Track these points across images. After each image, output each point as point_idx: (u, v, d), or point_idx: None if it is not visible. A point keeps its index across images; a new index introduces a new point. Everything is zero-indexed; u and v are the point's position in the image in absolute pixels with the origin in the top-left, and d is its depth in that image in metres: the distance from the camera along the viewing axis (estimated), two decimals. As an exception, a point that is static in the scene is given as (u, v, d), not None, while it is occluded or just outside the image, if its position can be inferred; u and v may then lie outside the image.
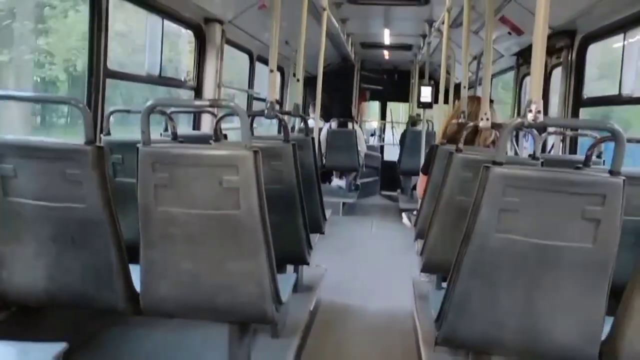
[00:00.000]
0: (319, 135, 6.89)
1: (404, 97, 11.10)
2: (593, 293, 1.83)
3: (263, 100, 6.61)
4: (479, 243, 1.85)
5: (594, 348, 1.87)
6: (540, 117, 1.72)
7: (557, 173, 1.80)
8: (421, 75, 8.69)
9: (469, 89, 3.96)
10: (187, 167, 1.99)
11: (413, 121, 9.14)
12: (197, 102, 3.86)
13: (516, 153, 4.98)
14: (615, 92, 3.48)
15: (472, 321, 1.94)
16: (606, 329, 1.90)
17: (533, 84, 1.77)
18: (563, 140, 4.05)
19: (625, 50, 3.36)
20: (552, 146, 4.19)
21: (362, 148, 8.45)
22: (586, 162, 2.43)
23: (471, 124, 2.93)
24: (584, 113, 4.01)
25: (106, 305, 2.14)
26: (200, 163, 1.99)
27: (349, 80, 10.53)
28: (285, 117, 3.61)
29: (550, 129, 3.85)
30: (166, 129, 3.41)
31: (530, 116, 1.72)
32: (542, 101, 1.72)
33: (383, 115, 12.12)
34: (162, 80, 4.03)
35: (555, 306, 1.86)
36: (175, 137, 2.80)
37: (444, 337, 2.02)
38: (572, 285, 1.83)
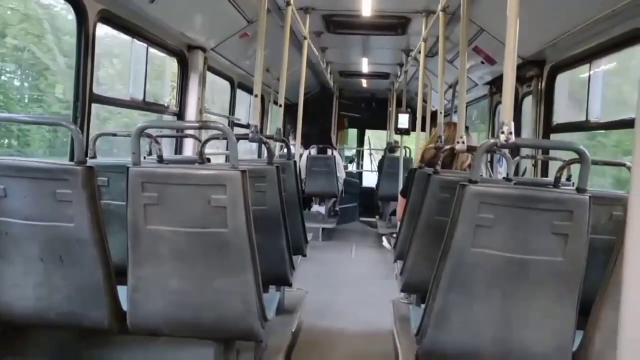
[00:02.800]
0: (299, 161, 6.99)
1: (381, 124, 11.32)
2: (564, 305, 1.93)
3: (243, 126, 6.72)
4: (456, 258, 1.94)
5: (565, 358, 1.96)
6: (512, 138, 1.84)
7: (528, 190, 1.91)
8: (398, 103, 8.91)
9: (445, 116, 4.12)
10: (176, 186, 2.05)
11: (391, 148, 9.31)
12: (187, 124, 3.93)
13: (490, 176, 5.14)
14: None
15: (451, 334, 2.01)
16: (577, 342, 1.99)
17: (504, 107, 1.89)
18: (535, 165, 4.21)
19: (591, 79, 3.55)
20: (525, 170, 4.35)
21: (341, 174, 8.57)
22: (555, 183, 2.56)
23: (448, 147, 3.06)
24: (556, 139, 4.18)
25: (93, 324, 2.16)
26: (189, 182, 2.05)
27: (328, 107, 10.73)
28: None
29: (523, 153, 4.01)
30: (150, 153, 3.46)
31: (502, 137, 1.84)
32: (513, 123, 1.85)
33: (361, 142, 12.30)
34: (145, 105, 4.09)
35: (528, 318, 1.95)
36: (161, 159, 2.85)
37: (424, 351, 2.09)
38: (544, 297, 1.93)
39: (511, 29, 1.93)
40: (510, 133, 1.83)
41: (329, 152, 8.35)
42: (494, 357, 2.00)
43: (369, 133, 12.51)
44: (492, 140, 1.90)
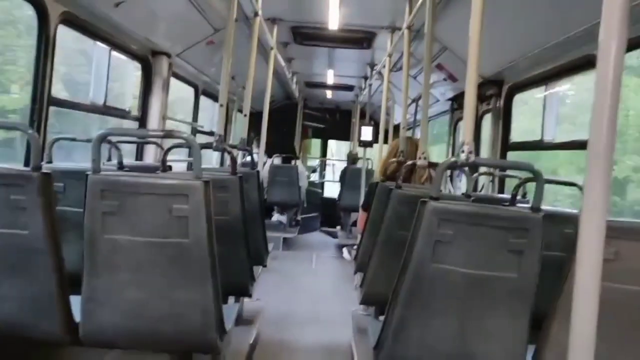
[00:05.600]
0: (262, 170, 6.98)
1: (345, 135, 11.42)
2: (517, 320, 1.99)
3: (206, 133, 6.66)
4: (416, 272, 1.97)
5: None
6: (472, 157, 1.89)
7: (486, 208, 1.97)
8: (362, 116, 9.01)
9: (407, 130, 4.19)
10: (137, 195, 2.01)
11: (353, 159, 9.39)
12: (152, 132, 3.86)
13: (450, 191, 5.25)
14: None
15: (408, 348, 2.04)
16: (528, 356, 2.05)
17: (466, 128, 1.95)
18: (492, 181, 4.33)
19: (547, 100, 3.69)
20: (483, 186, 4.47)
21: (304, 184, 8.59)
22: (512, 201, 2.64)
23: (410, 162, 3.11)
24: (513, 156, 4.32)
25: (44, 335, 2.09)
26: (151, 191, 2.02)
27: (292, 117, 10.76)
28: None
29: (481, 170, 4.12)
30: (109, 159, 3.38)
31: (462, 156, 1.89)
32: (473, 143, 1.90)
33: (324, 153, 12.37)
34: (106, 109, 4.01)
35: (483, 332, 1.99)
36: (121, 166, 2.80)
37: None
38: (498, 312, 1.98)
39: (473, 49, 1.99)
40: (471, 152, 1.89)
41: (292, 161, 8.37)
42: None
43: (331, 143, 12.59)
44: (452, 159, 1.95)
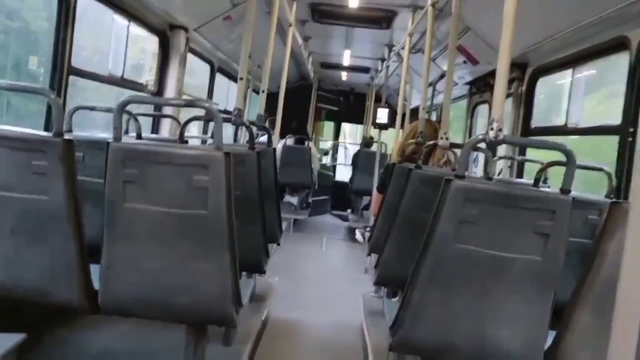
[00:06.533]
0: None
1: (358, 118, 11.34)
2: (539, 304, 1.95)
3: (221, 111, 6.62)
4: (437, 252, 1.94)
5: (537, 357, 1.98)
6: (501, 135, 1.84)
7: (513, 188, 1.92)
8: (377, 99, 8.92)
9: (425, 112, 4.12)
10: (157, 165, 1.99)
11: (367, 142, 9.33)
12: (174, 101, 3.83)
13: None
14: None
15: (427, 327, 2.02)
16: (548, 341, 2.02)
17: (495, 104, 1.89)
18: (511, 166, 4.27)
19: (573, 85, 3.60)
20: (501, 171, 4.40)
21: (316, 166, 8.56)
22: (535, 184, 2.59)
23: (431, 142, 3.06)
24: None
25: (63, 302, 2.09)
26: (171, 161, 1.99)
27: (306, 98, 10.68)
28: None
29: (501, 154, 4.06)
30: (126, 131, 3.36)
31: (492, 133, 1.84)
32: (503, 120, 1.85)
33: (337, 135, 12.30)
34: (124, 82, 3.98)
35: (504, 315, 1.96)
36: (139, 137, 2.78)
37: (398, 343, 2.08)
38: (520, 295, 1.95)
39: (507, 29, 1.93)
40: (500, 130, 1.83)
41: (305, 143, 8.33)
42: (467, 352, 2.02)
43: (344, 127, 12.52)
44: (480, 136, 1.90)
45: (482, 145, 2.11)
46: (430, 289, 1.99)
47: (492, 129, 1.85)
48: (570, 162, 1.90)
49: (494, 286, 1.95)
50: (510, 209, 1.90)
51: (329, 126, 12.55)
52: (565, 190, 1.89)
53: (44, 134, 2.01)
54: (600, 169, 2.59)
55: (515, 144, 3.80)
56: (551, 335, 2.02)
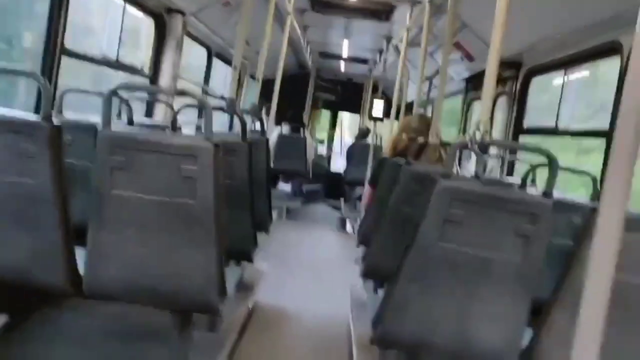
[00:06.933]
0: (270, 137, 6.94)
1: (355, 109, 11.32)
2: (517, 304, 1.99)
3: (217, 97, 6.60)
4: (422, 250, 1.96)
5: (514, 355, 2.02)
6: (487, 137, 1.86)
7: (498, 190, 1.94)
8: (374, 90, 8.91)
9: (420, 107, 4.14)
10: (146, 153, 2.00)
11: (363, 133, 9.33)
12: (164, 90, 3.82)
13: (458, 172, 5.21)
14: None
15: (408, 323, 2.05)
16: (526, 340, 2.06)
17: (483, 107, 1.91)
18: (502, 165, 4.30)
19: (565, 87, 3.62)
20: (492, 169, 4.43)
21: (310, 155, 8.56)
22: (522, 185, 2.61)
23: (422, 139, 3.07)
24: (524, 141, 4.27)
25: (48, 285, 2.10)
26: (160, 150, 2.00)
27: (304, 87, 10.66)
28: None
29: (492, 152, 4.08)
30: (119, 115, 3.36)
31: (478, 135, 1.86)
32: (489, 123, 1.87)
33: (333, 125, 12.29)
34: (118, 64, 3.96)
35: (483, 314, 1.99)
36: (131, 122, 2.78)
37: (379, 337, 2.12)
38: (499, 295, 1.98)
39: (498, 28, 1.94)
40: (486, 132, 1.85)
41: (301, 131, 8.33)
42: (446, 348, 2.05)
43: (343, 119, 12.49)
44: (467, 138, 1.92)
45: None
46: (412, 286, 2.02)
47: (479, 129, 1.87)
48: (552, 166, 1.92)
49: (475, 285, 1.98)
50: (494, 210, 1.92)
51: (326, 116, 12.52)
52: (547, 193, 1.92)
53: (33, 117, 2.01)
54: (586, 173, 2.62)
55: (501, 146, 3.82)
56: (528, 333, 2.05)
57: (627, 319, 1.82)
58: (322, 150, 11.82)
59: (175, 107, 3.07)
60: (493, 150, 4.28)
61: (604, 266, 1.16)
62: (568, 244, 2.36)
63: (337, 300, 4.39)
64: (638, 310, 1.86)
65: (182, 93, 2.00)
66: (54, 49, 3.01)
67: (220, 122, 7.92)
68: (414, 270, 1.99)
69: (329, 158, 11.63)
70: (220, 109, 3.06)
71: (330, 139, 12.22)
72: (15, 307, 2.21)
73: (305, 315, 4.15)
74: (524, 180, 2.66)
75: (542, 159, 2.56)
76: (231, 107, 3.02)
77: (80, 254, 2.12)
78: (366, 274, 3.25)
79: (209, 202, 2.02)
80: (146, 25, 4.60)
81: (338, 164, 11.21)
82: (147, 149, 2.00)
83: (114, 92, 2.03)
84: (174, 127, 2.64)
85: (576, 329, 1.20)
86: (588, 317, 1.20)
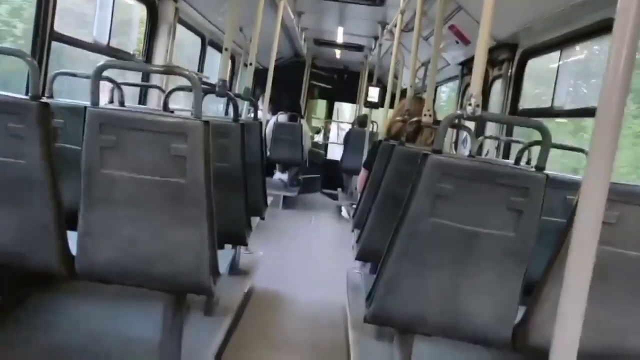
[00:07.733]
0: (266, 126, 6.91)
1: (351, 98, 11.28)
2: (509, 280, 1.98)
3: (211, 84, 6.56)
4: (412, 226, 1.95)
5: (507, 331, 2.02)
6: (479, 111, 1.84)
7: (488, 165, 1.93)
8: (370, 78, 8.87)
9: (415, 94, 4.12)
10: (135, 131, 1.98)
11: (361, 121, 9.30)
12: (153, 68, 3.79)
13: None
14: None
15: (400, 300, 2.04)
16: (519, 316, 2.05)
17: (474, 80, 1.89)
18: (498, 147, 4.29)
19: (560, 67, 3.60)
20: (488, 151, 4.42)
21: (307, 144, 8.53)
22: (516, 163, 2.60)
23: (415, 119, 3.06)
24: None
25: (40, 267, 2.10)
26: (149, 128, 1.98)
27: (299, 75, 10.61)
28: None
29: (487, 133, 4.07)
30: (111, 101, 3.34)
31: (469, 109, 1.84)
32: (481, 96, 1.85)
33: (330, 114, 12.26)
34: (109, 50, 3.93)
35: (475, 289, 1.99)
36: (122, 106, 2.76)
37: (372, 315, 2.11)
38: (492, 270, 1.97)
39: (488, 7, 1.92)
40: (478, 106, 1.83)
41: (297, 120, 8.29)
42: (439, 324, 2.05)
43: (339, 106, 12.44)
44: (458, 112, 1.90)
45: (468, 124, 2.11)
46: (404, 262, 2.01)
47: (470, 104, 1.85)
48: (545, 141, 1.91)
49: (467, 261, 1.98)
50: (485, 184, 1.91)
51: (322, 105, 12.48)
52: (539, 167, 1.91)
53: (22, 97, 1.99)
54: (580, 150, 2.61)
55: (493, 120, 3.80)
56: (522, 311, 2.05)
57: (617, 290, 1.82)
58: (319, 138, 11.79)
59: (168, 90, 3.05)
60: (489, 131, 4.27)
61: (588, 237, 1.16)
62: (563, 221, 2.36)
63: (334, 284, 4.39)
64: (628, 281, 1.85)
65: (169, 71, 1.97)
66: (43, 33, 2.98)
67: (215, 111, 7.90)
68: (405, 247, 1.98)
69: (325, 146, 11.61)
70: (212, 91, 3.04)
71: (327, 128, 12.18)
72: (7, 288, 2.20)
73: (302, 300, 4.16)
74: (517, 158, 2.65)
75: (538, 139, 2.55)
76: (223, 88, 2.99)
77: (73, 238, 2.11)
78: (360, 256, 3.25)
79: (199, 181, 2.01)
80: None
81: (335, 153, 11.19)
82: (137, 127, 1.98)
83: (101, 69, 2.01)
84: (166, 108, 2.62)
85: (560, 300, 1.20)
86: (572, 287, 1.20)
